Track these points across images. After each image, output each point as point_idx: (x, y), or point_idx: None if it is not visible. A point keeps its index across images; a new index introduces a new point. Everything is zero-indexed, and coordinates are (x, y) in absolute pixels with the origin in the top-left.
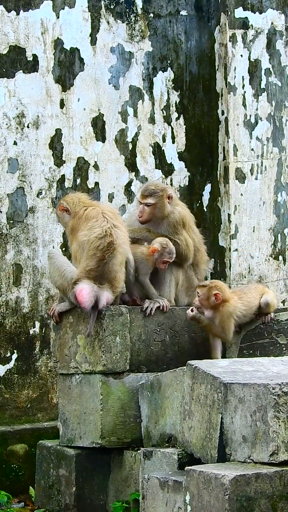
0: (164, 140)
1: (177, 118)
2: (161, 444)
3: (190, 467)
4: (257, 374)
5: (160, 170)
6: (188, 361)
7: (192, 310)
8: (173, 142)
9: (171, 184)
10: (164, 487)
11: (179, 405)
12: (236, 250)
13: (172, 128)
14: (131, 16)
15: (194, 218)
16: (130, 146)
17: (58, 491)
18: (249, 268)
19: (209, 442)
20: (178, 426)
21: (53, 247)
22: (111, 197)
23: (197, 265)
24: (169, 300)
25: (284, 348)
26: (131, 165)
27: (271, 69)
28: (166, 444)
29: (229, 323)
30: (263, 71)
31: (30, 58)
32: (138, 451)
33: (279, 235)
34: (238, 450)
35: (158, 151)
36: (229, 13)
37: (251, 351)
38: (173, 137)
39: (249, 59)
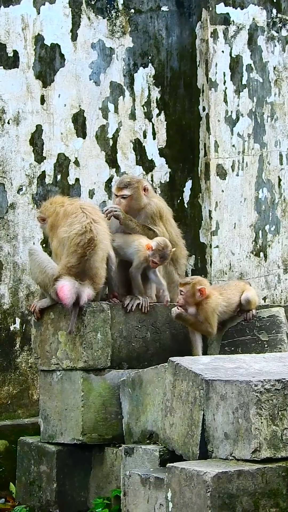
0: (145, 136)
1: (158, 114)
2: (143, 440)
3: (171, 464)
4: (239, 371)
5: (141, 166)
6: (169, 358)
7: (178, 308)
8: (154, 138)
9: (152, 181)
10: (146, 483)
11: (160, 401)
12: (217, 246)
13: (153, 124)
14: (112, 11)
15: (171, 211)
16: (111, 142)
17: (39, 488)
18: (230, 264)
19: (191, 439)
20: (160, 423)
21: (34, 243)
22: (91, 193)
23: (177, 260)
24: (150, 297)
25: (265, 345)
26: (112, 161)
27: (252, 65)
28: (148, 441)
29: (213, 317)
30: (244, 67)
31: (10, 54)
32: (119, 448)
33: (260, 231)
34: (220, 447)
35: (139, 147)
36: (211, 8)
37: (232, 348)
38: (154, 133)
39: (230, 55)
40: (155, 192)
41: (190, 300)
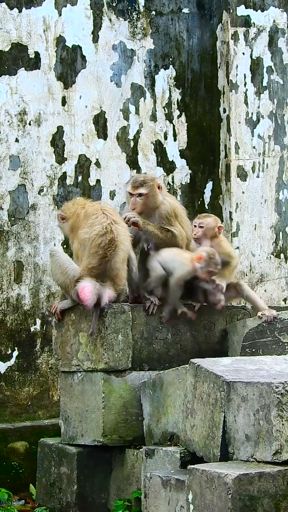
0: (165, 138)
1: (179, 116)
2: (163, 442)
3: (192, 466)
4: (260, 372)
5: (161, 168)
6: (190, 359)
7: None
8: (175, 140)
9: (173, 182)
10: (167, 485)
11: (181, 403)
12: (238, 248)
13: (173, 126)
14: (133, 13)
15: (185, 210)
16: (132, 143)
17: (60, 489)
18: (250, 266)
19: (212, 440)
20: (181, 425)
21: (54, 244)
22: (112, 195)
23: None
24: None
25: (286, 347)
26: (133, 163)
27: (273, 67)
28: (168, 443)
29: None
30: (265, 69)
31: (32, 56)
32: (140, 450)
33: (280, 233)
34: (241, 449)
35: (159, 149)
36: (231, 11)
37: (253, 350)
38: (174, 135)
39: (251, 57)
40: (174, 193)
41: (208, 233)
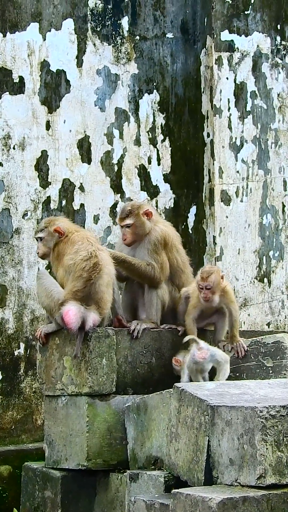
0: (149, 162)
1: (163, 140)
2: (148, 466)
3: (177, 490)
4: (244, 397)
5: (145, 192)
6: (174, 384)
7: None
8: (159, 164)
9: (157, 206)
10: (151, 509)
11: (165, 427)
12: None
13: (157, 150)
14: (117, 38)
15: (179, 237)
16: (116, 168)
17: None
18: (234, 290)
19: (196, 464)
20: (165, 449)
21: (39, 268)
22: (96, 219)
23: (183, 287)
24: (155, 322)
25: (270, 371)
26: (117, 187)
27: (256, 91)
28: (153, 467)
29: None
30: (248, 94)
31: (16, 80)
32: (124, 474)
33: (264, 257)
34: (225, 473)
35: (143, 173)
36: (215, 35)
37: (237, 374)
38: (158, 159)
39: (234, 81)
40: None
41: (217, 289)
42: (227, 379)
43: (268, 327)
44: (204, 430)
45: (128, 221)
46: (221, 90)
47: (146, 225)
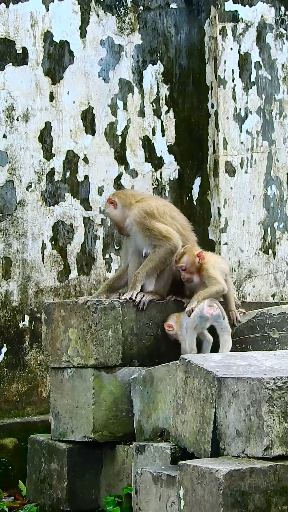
0: (154, 134)
1: (167, 112)
2: (154, 438)
3: (183, 462)
4: (251, 368)
5: (150, 164)
6: (181, 355)
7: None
8: (163, 136)
9: (161, 177)
10: (157, 481)
11: (171, 399)
12: (226, 243)
13: (162, 122)
14: (121, 9)
15: (173, 207)
16: (120, 139)
17: (50, 486)
18: (239, 262)
19: (203, 436)
20: (171, 420)
21: (43, 240)
22: (100, 191)
23: None
24: (161, 295)
25: (276, 342)
26: (121, 158)
27: (261, 62)
28: (159, 439)
29: (216, 272)
30: (253, 65)
31: (19, 51)
32: (131, 446)
33: (268, 228)
34: (232, 444)
35: (147, 145)
36: (219, 6)
37: (243, 346)
38: (162, 131)
39: (239, 52)
40: (162, 189)
41: (193, 269)
42: (232, 351)
43: (273, 298)
44: (211, 401)
45: (108, 214)
46: (225, 61)
47: (118, 213)
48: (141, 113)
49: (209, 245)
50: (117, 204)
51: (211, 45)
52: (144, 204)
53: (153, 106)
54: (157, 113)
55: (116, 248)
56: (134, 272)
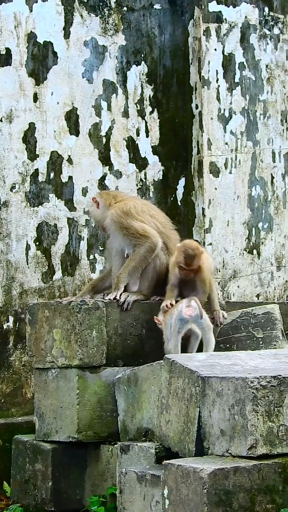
0: (138, 134)
1: (151, 112)
2: (138, 438)
3: (168, 461)
4: (235, 367)
5: (134, 164)
6: (165, 355)
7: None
8: (147, 136)
9: (145, 178)
10: (142, 481)
11: (156, 399)
12: (211, 244)
13: (146, 122)
14: (105, 9)
15: (152, 206)
16: (104, 140)
17: (34, 486)
18: (223, 262)
19: (187, 436)
20: (155, 420)
21: (27, 241)
22: (85, 191)
23: (172, 253)
24: (146, 295)
25: (261, 342)
26: (105, 159)
27: (245, 63)
28: (143, 438)
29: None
30: (237, 65)
31: (3, 52)
32: (115, 446)
33: (253, 229)
34: (216, 443)
35: (132, 145)
36: (203, 7)
37: (228, 345)
38: (147, 131)
39: (223, 53)
40: (147, 189)
41: (197, 263)
42: (217, 351)
43: (258, 298)
44: (195, 401)
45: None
46: (209, 62)
47: (97, 213)
48: (125, 114)
49: None
50: (99, 203)
51: (195, 46)
52: (121, 203)
53: (137, 106)
54: (141, 113)
55: (101, 249)
56: (117, 273)
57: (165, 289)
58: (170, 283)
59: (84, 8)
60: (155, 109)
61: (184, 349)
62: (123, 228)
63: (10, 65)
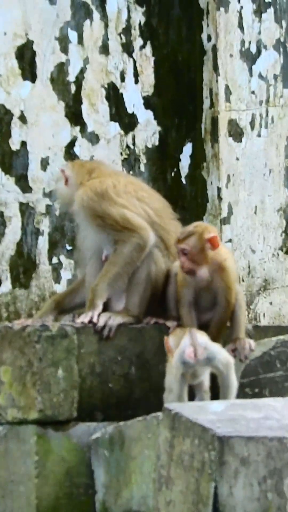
0: (123, 79)
1: (142, 47)
2: None
3: None
4: (267, 422)
5: (117, 123)
6: (164, 405)
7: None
8: (136, 82)
9: (134, 144)
10: None
11: (152, 469)
12: (230, 240)
13: (134, 62)
14: None
15: (142, 185)
16: (73, 88)
17: None
18: (249, 267)
19: None
20: (151, 500)
21: None
22: (45, 163)
23: (168, 248)
24: (136, 316)
25: None
26: (75, 116)
27: None
28: None
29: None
30: None
31: None
32: None
33: None
34: None
35: (114, 96)
36: None
37: (256, 390)
38: (136, 75)
39: None
40: (136, 160)
41: (199, 258)
42: (240, 397)
43: None
44: (209, 472)
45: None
46: None
47: (64, 191)
48: (104, 50)
49: None
50: (69, 179)
51: None
52: (95, 181)
53: (121, 39)
54: (127, 49)
55: (69, 248)
56: (92, 284)
57: (163, 306)
58: (182, 300)
59: None
60: (148, 42)
61: (192, 396)
62: (97, 217)
63: None
